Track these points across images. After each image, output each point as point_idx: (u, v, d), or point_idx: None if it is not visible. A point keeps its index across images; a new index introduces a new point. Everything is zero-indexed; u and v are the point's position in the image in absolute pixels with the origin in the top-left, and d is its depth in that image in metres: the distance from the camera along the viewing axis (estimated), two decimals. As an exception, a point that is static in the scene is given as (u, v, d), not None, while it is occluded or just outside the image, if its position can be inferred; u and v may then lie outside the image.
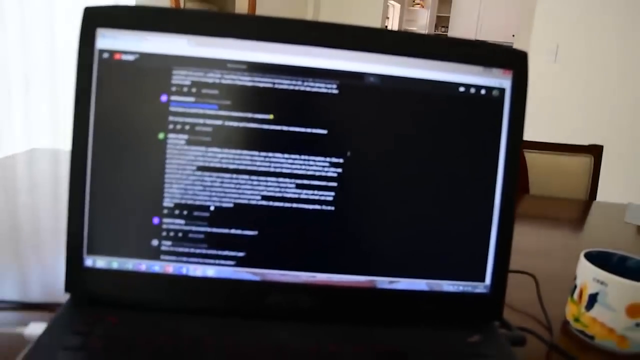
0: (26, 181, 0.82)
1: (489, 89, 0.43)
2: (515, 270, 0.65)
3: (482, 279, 0.45)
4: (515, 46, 2.66)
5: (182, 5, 2.44)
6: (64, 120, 1.85)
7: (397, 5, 6.53)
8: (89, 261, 0.42)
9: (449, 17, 7.05)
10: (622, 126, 2.43)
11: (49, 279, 0.52)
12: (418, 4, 6.79)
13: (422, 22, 6.87)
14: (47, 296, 0.48)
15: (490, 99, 0.43)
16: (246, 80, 0.40)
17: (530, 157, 1.14)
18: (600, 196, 1.21)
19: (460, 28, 7.00)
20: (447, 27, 7.10)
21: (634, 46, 2.36)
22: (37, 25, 1.74)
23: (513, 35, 2.83)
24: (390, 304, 0.44)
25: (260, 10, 3.01)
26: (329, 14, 3.54)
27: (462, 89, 0.42)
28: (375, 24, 3.43)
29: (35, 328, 0.40)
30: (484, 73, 0.43)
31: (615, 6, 2.37)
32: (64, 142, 1.87)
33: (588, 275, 0.51)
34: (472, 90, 0.43)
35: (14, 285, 0.50)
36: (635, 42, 2.35)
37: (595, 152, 1.18)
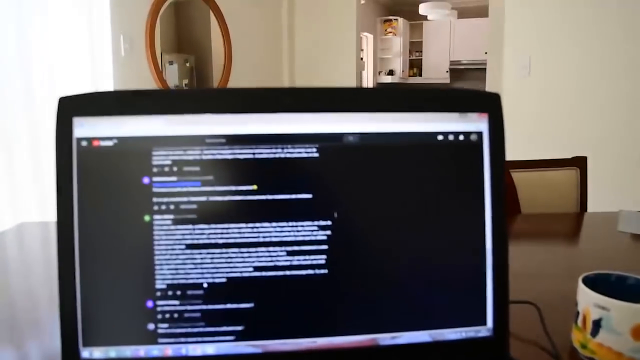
0: (18, 261, 0.81)
1: (467, 134, 0.43)
2: (516, 301, 0.64)
3: (484, 322, 0.44)
4: (488, 62, 2.72)
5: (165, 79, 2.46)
6: (49, 190, 1.84)
7: (370, 36, 6.69)
8: (85, 353, 0.41)
9: (421, 41, 7.22)
10: (603, 132, 2.47)
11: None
12: (390, 32, 6.96)
13: (396, 49, 7.02)
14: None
15: (469, 144, 0.43)
16: (226, 154, 0.41)
17: (517, 176, 1.15)
18: (591, 206, 1.22)
19: (434, 51, 7.16)
20: (421, 51, 7.27)
21: (605, 53, 2.42)
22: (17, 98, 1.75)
23: (485, 53, 2.89)
24: (395, 359, 0.43)
25: (235, 80, 3.02)
26: (305, 58, 3.59)
27: (440, 137, 0.43)
28: (351, 58, 3.49)
29: None
30: (460, 119, 0.43)
31: (582, 14, 2.44)
32: (51, 213, 1.84)
33: (589, 301, 0.50)
34: (451, 137, 0.43)
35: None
36: (605, 48, 2.42)
37: (579, 164, 1.19)
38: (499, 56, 2.66)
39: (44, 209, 1.79)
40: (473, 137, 0.44)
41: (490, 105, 0.44)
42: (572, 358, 0.52)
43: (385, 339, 0.43)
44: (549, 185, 1.16)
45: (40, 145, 1.79)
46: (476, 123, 0.44)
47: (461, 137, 0.43)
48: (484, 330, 0.44)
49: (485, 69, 2.79)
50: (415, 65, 7.41)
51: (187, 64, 2.74)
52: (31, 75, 1.77)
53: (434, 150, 0.43)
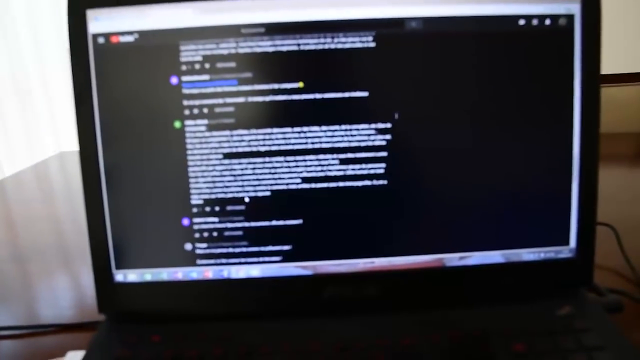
0: (62, 187, 0.80)
1: (555, 18, 0.36)
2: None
3: (566, 242, 0.38)
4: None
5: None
6: (62, 120, 1.78)
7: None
8: (119, 276, 0.37)
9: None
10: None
11: (85, 293, 0.48)
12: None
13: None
14: (85, 314, 0.44)
15: (557, 30, 0.36)
16: (266, 46, 0.34)
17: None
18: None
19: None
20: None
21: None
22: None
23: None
24: (463, 282, 0.38)
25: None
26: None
27: (522, 21, 0.35)
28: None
29: (73, 357, 0.36)
30: (546, -2, 0.35)
31: None
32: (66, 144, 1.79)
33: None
34: (535, 22, 0.35)
35: (48, 305, 0.46)
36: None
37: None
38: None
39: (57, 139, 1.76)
40: (562, 22, 0.36)
41: (585, -21, 0.36)
42: (656, 283, 0.46)
43: (453, 259, 0.38)
44: (614, 103, 1.06)
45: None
46: (566, 4, 0.36)
47: (547, 22, 0.36)
48: (565, 251, 0.38)
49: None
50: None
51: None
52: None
53: (514, 38, 0.36)
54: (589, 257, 0.39)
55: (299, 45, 0.34)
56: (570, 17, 0.36)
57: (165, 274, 0.37)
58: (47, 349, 0.39)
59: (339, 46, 0.34)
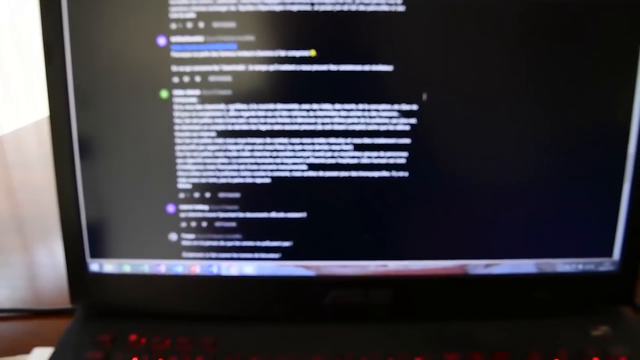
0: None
1: (621, -14, 0.30)
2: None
3: (609, 254, 0.33)
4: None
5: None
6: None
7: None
8: (94, 266, 0.33)
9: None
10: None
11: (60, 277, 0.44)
12: None
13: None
14: (62, 299, 0.40)
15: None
16: (273, 4, 0.29)
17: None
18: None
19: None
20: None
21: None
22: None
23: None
24: (488, 293, 0.34)
25: None
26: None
27: (582, -12, 0.29)
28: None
29: (40, 355, 0.32)
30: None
31: None
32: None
33: None
34: (597, -10, 0.29)
35: (20, 286, 0.42)
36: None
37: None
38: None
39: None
40: (629, -9, 0.30)
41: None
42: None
43: (478, 266, 0.33)
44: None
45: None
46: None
47: (612, -9, 0.30)
48: (607, 264, 0.34)
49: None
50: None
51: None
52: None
53: (569, 9, 0.30)
54: (634, 272, 0.34)
55: (312, 4, 0.29)
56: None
57: (146, 266, 0.33)
58: (11, 338, 0.35)
59: (361, 8, 0.29)
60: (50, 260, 0.47)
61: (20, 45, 1.63)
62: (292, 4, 0.29)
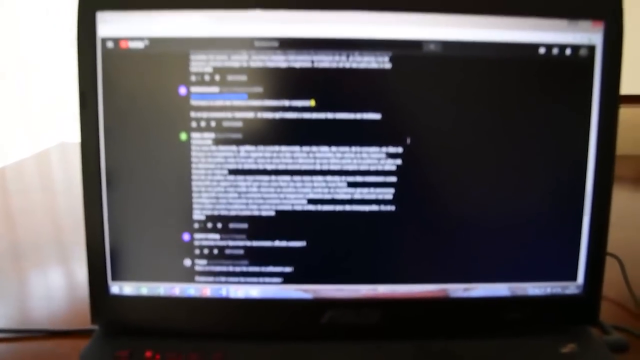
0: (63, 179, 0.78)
1: (576, 48, 0.35)
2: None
3: (574, 277, 0.37)
4: None
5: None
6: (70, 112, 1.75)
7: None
8: (115, 288, 0.36)
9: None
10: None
11: (80, 297, 0.47)
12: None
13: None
14: (80, 319, 0.43)
15: (576, 61, 0.35)
16: (279, 61, 0.33)
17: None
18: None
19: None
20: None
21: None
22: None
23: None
24: (467, 314, 0.37)
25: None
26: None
27: (542, 50, 0.34)
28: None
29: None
30: (568, 28, 0.34)
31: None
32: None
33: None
34: (555, 51, 0.34)
35: (41, 307, 0.45)
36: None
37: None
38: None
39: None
40: (583, 53, 0.35)
41: (609, 10, 0.35)
42: (661, 319, 0.45)
43: (457, 290, 0.36)
44: (633, 124, 1.04)
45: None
46: (588, 34, 0.35)
47: (568, 52, 0.35)
48: (572, 287, 0.37)
49: None
50: None
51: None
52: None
53: (533, 67, 0.35)
54: (597, 294, 0.38)
55: (312, 61, 0.33)
56: (591, 48, 0.35)
57: (162, 288, 0.36)
58: (34, 357, 0.38)
59: (354, 65, 0.33)
60: (68, 282, 0.50)
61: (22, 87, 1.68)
62: (296, 61, 0.33)
